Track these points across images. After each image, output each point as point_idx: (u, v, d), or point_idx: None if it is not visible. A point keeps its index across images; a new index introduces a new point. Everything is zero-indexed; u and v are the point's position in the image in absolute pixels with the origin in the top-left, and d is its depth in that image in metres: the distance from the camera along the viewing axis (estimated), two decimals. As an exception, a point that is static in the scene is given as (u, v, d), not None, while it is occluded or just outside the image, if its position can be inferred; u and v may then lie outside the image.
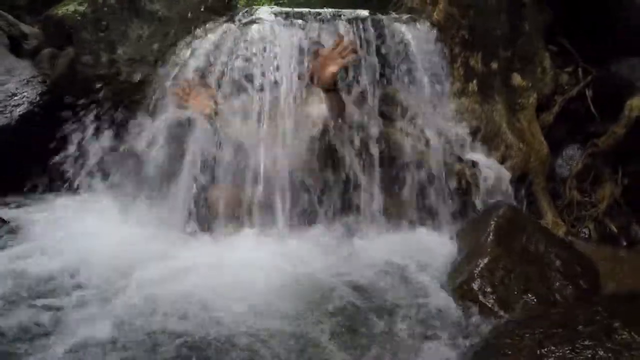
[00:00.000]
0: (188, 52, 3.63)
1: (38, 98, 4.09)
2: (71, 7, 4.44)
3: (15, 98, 4.03)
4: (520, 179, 3.60)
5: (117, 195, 3.48)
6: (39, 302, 2.36)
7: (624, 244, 3.52)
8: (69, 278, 2.58)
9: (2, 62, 4.32)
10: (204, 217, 3.16)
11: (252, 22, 3.57)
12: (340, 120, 3.20)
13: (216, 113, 3.23)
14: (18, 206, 3.65)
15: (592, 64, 4.04)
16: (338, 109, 3.16)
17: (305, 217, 3.17)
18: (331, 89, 3.07)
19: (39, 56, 4.52)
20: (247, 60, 3.29)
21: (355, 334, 2.20)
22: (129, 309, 2.28)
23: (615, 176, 3.77)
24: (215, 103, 3.25)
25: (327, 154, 3.25)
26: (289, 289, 2.49)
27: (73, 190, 3.62)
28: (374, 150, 3.28)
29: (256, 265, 2.70)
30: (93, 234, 3.06)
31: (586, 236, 3.59)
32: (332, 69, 2.97)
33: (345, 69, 3.30)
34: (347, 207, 3.27)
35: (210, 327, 2.16)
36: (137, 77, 3.89)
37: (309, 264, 2.75)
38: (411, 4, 4.26)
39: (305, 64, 3.25)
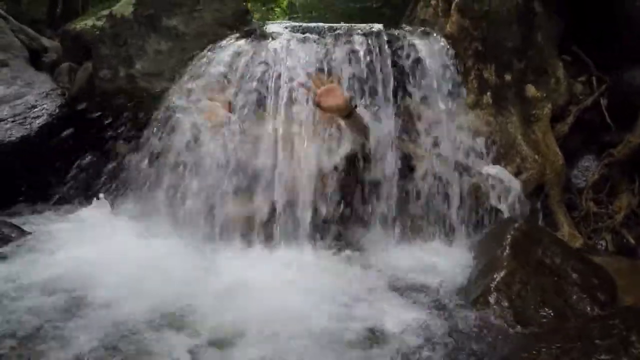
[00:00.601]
0: (202, 68, 3.65)
1: (57, 110, 4.16)
2: (89, 22, 4.55)
3: (35, 110, 4.11)
4: (535, 191, 3.60)
5: (135, 208, 3.50)
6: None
7: (642, 255, 3.49)
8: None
9: (23, 74, 4.41)
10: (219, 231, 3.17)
11: (268, 37, 3.62)
12: (366, 140, 3.21)
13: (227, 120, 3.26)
14: (36, 217, 3.67)
15: (605, 72, 4.03)
16: (362, 130, 3.19)
17: (323, 233, 3.17)
18: (348, 113, 3.10)
19: (58, 69, 4.64)
20: (261, 79, 3.33)
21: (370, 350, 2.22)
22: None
23: (632, 186, 3.76)
24: (230, 111, 3.28)
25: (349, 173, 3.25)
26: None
27: (90, 201, 3.66)
28: (390, 163, 3.29)
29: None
30: (116, 249, 3.05)
31: (603, 248, 3.57)
32: (336, 100, 3.05)
33: (360, 83, 3.34)
34: (362, 221, 3.28)
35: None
36: (155, 91, 3.92)
37: (331, 281, 2.77)
38: (424, 16, 4.29)
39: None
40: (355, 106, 3.12)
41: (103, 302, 2.45)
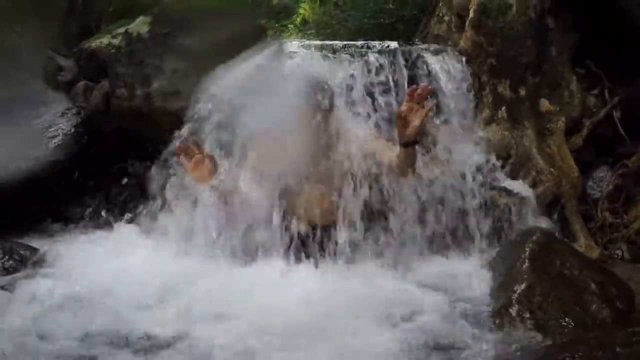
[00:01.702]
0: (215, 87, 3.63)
1: (73, 130, 4.15)
2: (105, 40, 4.55)
3: (51, 130, 4.10)
4: (552, 204, 3.63)
5: (149, 229, 3.48)
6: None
7: (658, 263, 3.51)
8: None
9: (38, 94, 4.40)
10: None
11: (285, 55, 3.64)
12: (410, 172, 3.12)
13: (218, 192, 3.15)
14: (51, 237, 3.72)
15: (618, 85, 4.08)
16: (413, 164, 3.08)
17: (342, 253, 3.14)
18: (411, 142, 2.97)
19: (74, 89, 4.62)
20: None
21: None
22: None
23: (646, 196, 3.78)
24: (216, 171, 3.11)
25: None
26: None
27: (106, 222, 3.70)
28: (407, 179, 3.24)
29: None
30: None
31: (620, 257, 3.58)
32: (415, 123, 2.87)
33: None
34: (379, 237, 3.24)
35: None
36: (171, 110, 3.93)
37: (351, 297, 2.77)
38: (437, 32, 4.35)
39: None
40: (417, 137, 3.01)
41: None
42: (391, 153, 3.11)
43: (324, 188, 3.15)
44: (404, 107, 2.89)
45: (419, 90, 2.86)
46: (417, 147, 3.05)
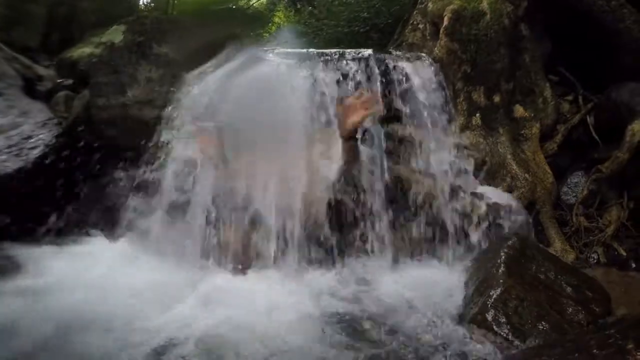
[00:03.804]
0: (187, 95, 3.66)
1: (54, 140, 4.03)
2: (87, 50, 4.50)
3: (31, 140, 3.97)
4: (527, 209, 3.63)
5: (132, 237, 3.44)
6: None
7: (633, 266, 3.55)
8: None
9: (17, 104, 4.28)
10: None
11: (256, 62, 3.63)
12: (353, 169, 3.16)
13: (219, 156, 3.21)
14: (32, 249, 3.60)
15: (592, 91, 4.13)
16: (354, 157, 3.15)
17: (316, 256, 3.15)
18: (351, 137, 3.08)
19: (54, 98, 4.53)
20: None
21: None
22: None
23: (620, 200, 3.83)
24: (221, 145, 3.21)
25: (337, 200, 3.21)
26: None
27: (88, 232, 3.63)
28: (380, 186, 3.29)
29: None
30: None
31: (595, 261, 3.61)
32: (355, 118, 2.99)
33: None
34: (355, 244, 3.24)
35: None
36: (147, 119, 3.89)
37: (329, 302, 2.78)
38: (412, 40, 4.36)
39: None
40: (356, 133, 3.11)
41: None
42: None
43: (292, 190, 3.15)
44: (348, 100, 2.98)
45: (364, 98, 2.96)
46: (358, 142, 3.12)
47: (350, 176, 3.15)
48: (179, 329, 2.47)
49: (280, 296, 2.80)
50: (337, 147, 3.19)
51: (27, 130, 4.04)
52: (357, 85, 3.53)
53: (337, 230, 3.16)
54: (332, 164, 3.20)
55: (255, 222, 3.12)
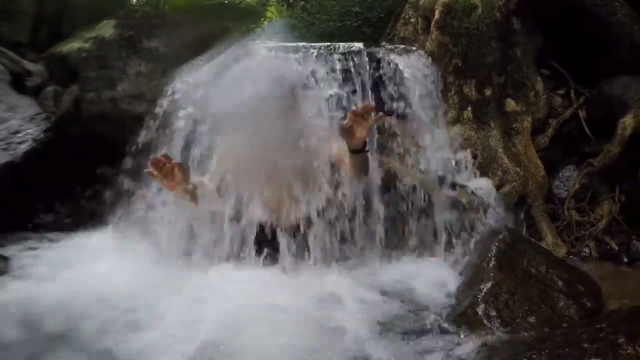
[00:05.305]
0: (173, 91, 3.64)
1: (42, 135, 4.00)
2: (76, 45, 4.46)
3: (19, 135, 3.94)
4: (518, 203, 3.64)
5: (115, 235, 3.42)
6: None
7: (625, 260, 3.55)
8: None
9: (5, 99, 4.25)
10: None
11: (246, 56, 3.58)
12: (362, 178, 3.12)
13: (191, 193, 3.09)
14: (21, 244, 3.54)
15: (584, 85, 4.12)
16: (364, 169, 3.10)
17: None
18: (360, 149, 2.99)
19: (43, 93, 4.50)
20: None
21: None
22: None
23: (612, 194, 3.83)
24: (189, 183, 3.06)
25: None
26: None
27: (75, 228, 3.61)
28: (374, 181, 3.23)
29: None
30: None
31: (587, 255, 3.62)
32: (361, 134, 2.90)
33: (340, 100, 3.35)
34: (347, 239, 3.20)
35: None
36: (136, 113, 3.90)
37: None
38: (404, 34, 4.35)
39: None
40: (365, 145, 3.02)
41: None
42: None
43: (284, 191, 3.12)
44: (348, 121, 2.88)
45: (359, 111, 2.86)
46: (367, 152, 3.05)
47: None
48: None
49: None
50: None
51: (15, 125, 4.01)
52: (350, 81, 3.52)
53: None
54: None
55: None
